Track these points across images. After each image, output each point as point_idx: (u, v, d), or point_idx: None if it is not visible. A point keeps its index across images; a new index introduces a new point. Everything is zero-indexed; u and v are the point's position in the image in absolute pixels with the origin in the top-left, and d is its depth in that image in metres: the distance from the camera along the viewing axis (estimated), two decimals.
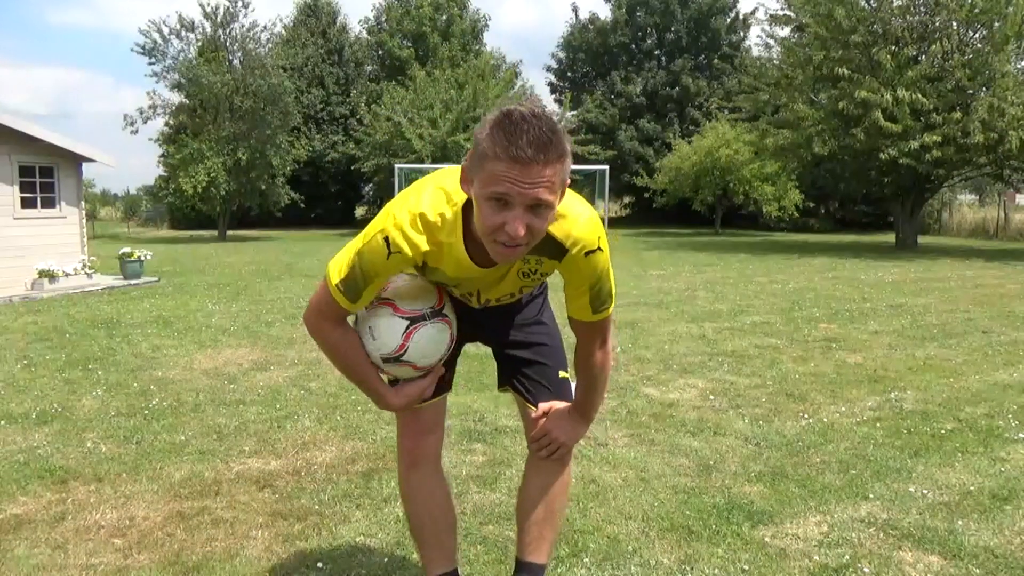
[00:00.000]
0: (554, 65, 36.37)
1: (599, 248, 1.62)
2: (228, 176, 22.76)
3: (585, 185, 27.86)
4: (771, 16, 19.29)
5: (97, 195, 40.00)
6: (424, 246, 1.58)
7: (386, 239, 1.56)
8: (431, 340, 1.75)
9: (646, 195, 29.21)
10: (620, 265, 12.97)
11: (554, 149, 1.40)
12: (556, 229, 1.56)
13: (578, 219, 1.59)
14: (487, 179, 1.42)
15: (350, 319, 1.79)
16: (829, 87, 17.81)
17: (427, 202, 1.58)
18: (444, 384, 1.94)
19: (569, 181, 1.51)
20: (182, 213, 29.11)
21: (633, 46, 33.65)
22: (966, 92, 16.44)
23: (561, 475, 1.97)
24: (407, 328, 1.73)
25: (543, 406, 1.92)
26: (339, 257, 1.65)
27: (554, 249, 1.60)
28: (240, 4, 23.21)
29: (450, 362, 1.92)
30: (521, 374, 1.96)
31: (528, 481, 2.00)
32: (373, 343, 1.75)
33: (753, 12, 25.57)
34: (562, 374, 1.98)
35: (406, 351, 1.73)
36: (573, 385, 1.95)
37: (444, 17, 32.52)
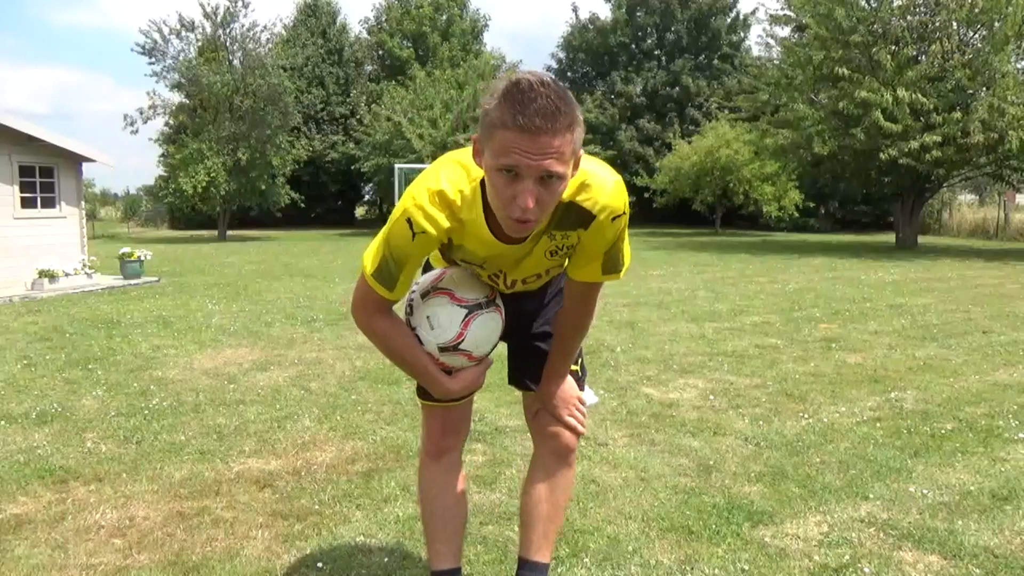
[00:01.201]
0: (554, 65, 36.38)
1: (624, 211, 1.61)
2: (228, 176, 22.76)
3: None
4: (771, 16, 19.31)
5: (97, 195, 40.04)
6: (445, 223, 1.56)
7: (408, 221, 1.55)
8: (486, 329, 1.76)
9: (646, 195, 29.20)
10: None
11: (563, 118, 1.36)
12: (583, 199, 1.55)
13: (603, 186, 1.56)
14: (496, 150, 1.39)
15: (402, 311, 1.79)
16: (829, 87, 17.82)
17: (445, 179, 1.56)
18: None
19: (582, 154, 1.49)
20: (182, 213, 29.12)
21: (633, 46, 33.66)
22: (966, 92, 16.45)
23: (567, 474, 1.98)
24: (465, 316, 1.73)
25: (533, 407, 1.95)
26: (371, 247, 1.65)
27: (582, 219, 1.59)
28: (240, 4, 23.22)
29: None
30: (535, 367, 1.95)
31: (533, 480, 1.99)
32: (431, 332, 1.74)
33: (753, 12, 25.68)
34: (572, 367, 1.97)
35: (463, 339, 1.73)
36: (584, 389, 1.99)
37: (444, 17, 32.55)
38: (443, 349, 1.73)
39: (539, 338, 1.96)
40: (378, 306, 1.68)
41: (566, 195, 1.53)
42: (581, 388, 1.99)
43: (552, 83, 1.38)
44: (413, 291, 1.79)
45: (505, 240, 1.60)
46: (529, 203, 1.40)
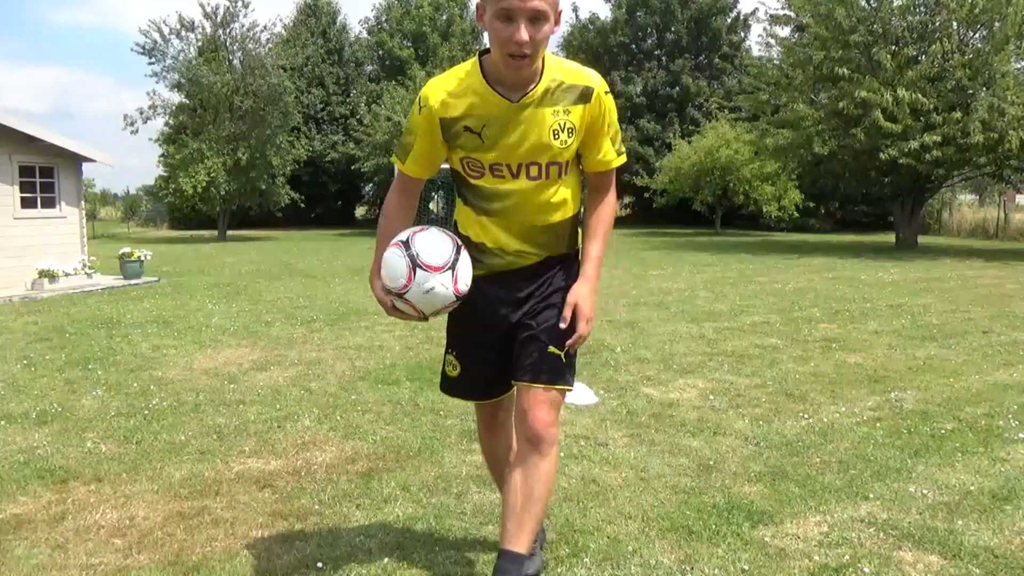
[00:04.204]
0: None
1: (609, 90, 1.98)
2: (228, 176, 22.77)
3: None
4: (771, 16, 19.30)
5: (97, 195, 40.03)
6: (444, 91, 1.93)
7: (418, 100, 1.95)
8: (394, 262, 1.95)
9: (646, 195, 29.20)
10: (620, 265, 12.97)
11: None
12: (574, 78, 1.93)
13: (585, 69, 1.96)
14: (494, 1, 1.77)
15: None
16: (829, 87, 17.81)
17: (449, 70, 2.00)
18: (507, 384, 2.17)
19: (562, 10, 1.88)
20: (182, 213, 29.13)
21: (633, 46, 33.64)
22: (966, 92, 16.44)
23: (541, 464, 2.00)
24: (401, 240, 1.96)
25: (571, 302, 2.03)
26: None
27: (580, 94, 1.93)
28: (240, 4, 23.23)
29: (506, 355, 2.09)
30: (526, 360, 2.04)
31: (511, 471, 2.05)
32: (422, 247, 1.94)
33: (753, 12, 25.67)
34: (551, 350, 2.03)
35: (387, 251, 1.97)
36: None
37: (444, 17, 32.54)
38: (404, 242, 1.95)
39: (534, 328, 2.05)
40: (398, 184, 2.13)
41: (559, 76, 1.91)
42: (571, 371, 2.08)
43: None
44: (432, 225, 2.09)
45: (504, 94, 1.89)
46: (522, 36, 1.76)
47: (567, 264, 2.13)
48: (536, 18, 1.76)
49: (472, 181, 2.02)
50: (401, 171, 2.08)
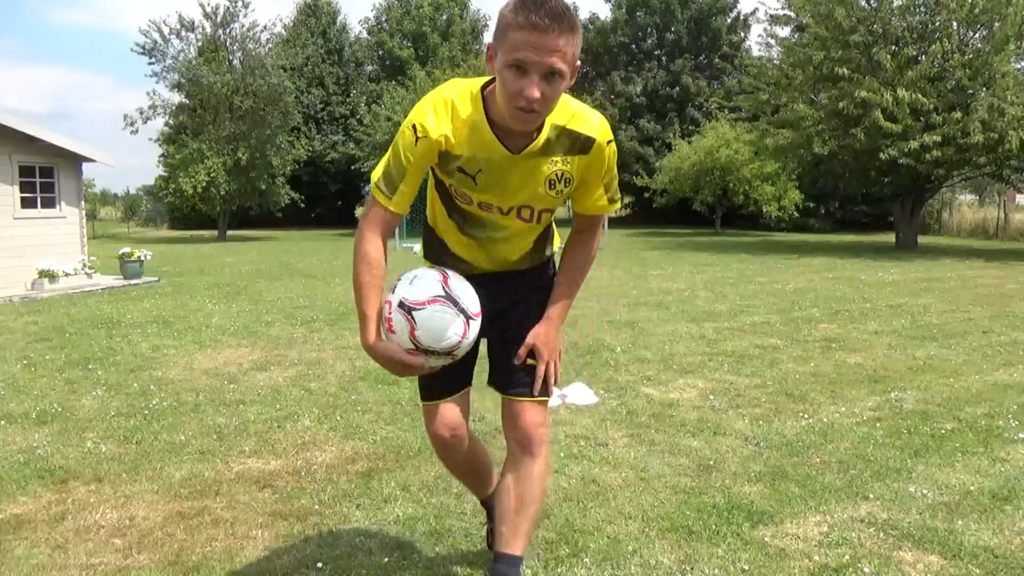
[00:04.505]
0: None
1: (612, 139, 1.84)
2: (228, 176, 22.77)
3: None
4: (771, 16, 19.29)
5: (97, 195, 40.02)
6: (447, 124, 1.74)
7: (413, 126, 1.73)
8: (442, 320, 1.79)
9: (646, 195, 29.21)
10: (620, 265, 12.97)
11: (568, 20, 1.57)
12: (577, 125, 1.77)
13: (590, 115, 1.80)
14: (508, 48, 1.58)
15: (402, 280, 1.85)
16: (829, 87, 17.81)
17: (447, 91, 1.77)
18: (463, 379, 2.07)
19: (579, 64, 1.67)
20: (182, 213, 29.15)
21: (633, 46, 33.66)
22: (966, 92, 16.43)
23: (532, 466, 2.00)
24: (441, 295, 1.81)
25: (528, 343, 1.98)
26: (379, 162, 1.82)
27: (581, 144, 1.79)
28: (240, 4, 23.24)
29: (467, 356, 1.98)
30: (499, 367, 2.04)
31: (503, 474, 2.05)
32: (408, 286, 1.82)
33: (753, 12, 25.66)
34: (529, 361, 2.02)
35: (424, 308, 1.79)
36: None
37: (444, 17, 32.55)
38: (401, 305, 1.79)
39: (511, 340, 2.02)
40: (376, 220, 1.81)
41: (561, 122, 1.75)
42: (556, 382, 2.06)
43: None
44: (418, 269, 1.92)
45: (506, 145, 1.75)
46: (535, 93, 1.58)
47: (541, 269, 2.09)
48: (552, 74, 1.59)
49: (459, 204, 1.91)
50: (384, 207, 1.80)
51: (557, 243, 2.13)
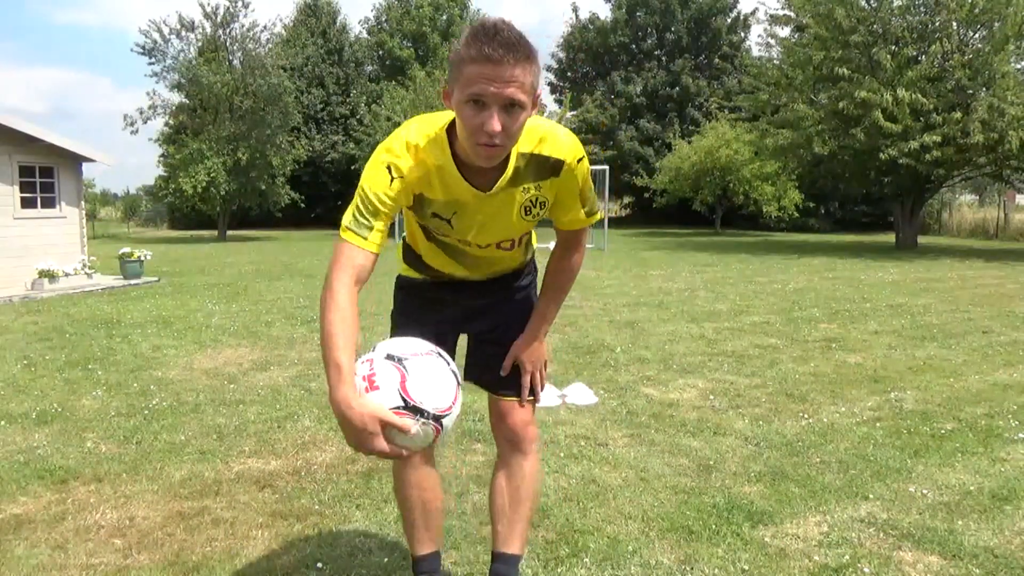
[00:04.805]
0: (554, 65, 36.38)
1: (583, 155, 1.76)
2: (228, 176, 22.77)
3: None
4: (771, 16, 19.28)
5: (97, 195, 39.98)
6: (416, 169, 1.67)
7: (388, 167, 1.66)
8: (438, 375, 1.60)
9: (646, 195, 29.22)
10: (620, 265, 12.97)
11: (523, 49, 1.50)
12: (545, 149, 1.70)
13: (559, 135, 1.72)
14: (464, 83, 1.51)
15: (384, 345, 1.72)
16: (829, 87, 17.81)
17: (414, 132, 1.69)
18: None
19: (541, 93, 1.64)
20: (182, 213, 29.15)
21: (633, 46, 33.66)
22: (966, 92, 16.43)
23: (523, 463, 2.01)
24: (431, 350, 1.66)
25: (512, 355, 1.99)
26: (349, 207, 1.71)
27: (550, 168, 1.72)
28: (240, 4, 23.23)
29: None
30: (489, 368, 2.02)
31: (495, 473, 2.06)
32: (391, 342, 1.68)
33: (753, 12, 25.64)
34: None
35: (414, 359, 1.59)
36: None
37: (444, 17, 32.57)
38: (389, 357, 1.58)
39: (491, 342, 2.02)
40: (347, 264, 1.63)
41: (528, 149, 1.68)
42: (541, 389, 2.06)
43: (512, 24, 1.53)
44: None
45: (476, 185, 1.69)
46: (496, 127, 1.51)
47: (522, 267, 2.08)
48: (511, 106, 1.51)
49: (437, 236, 1.88)
50: (357, 247, 1.64)
51: (535, 241, 2.11)
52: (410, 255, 2.03)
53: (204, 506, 2.83)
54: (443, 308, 2.01)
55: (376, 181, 1.65)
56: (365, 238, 1.64)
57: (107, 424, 3.86)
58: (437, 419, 1.56)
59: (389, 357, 1.59)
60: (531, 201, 1.76)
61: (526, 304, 2.06)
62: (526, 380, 1.99)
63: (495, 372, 2.01)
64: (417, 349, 1.64)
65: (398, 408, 1.51)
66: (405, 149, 1.66)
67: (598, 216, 1.92)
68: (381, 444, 1.50)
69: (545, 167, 1.71)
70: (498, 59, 1.47)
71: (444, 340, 1.86)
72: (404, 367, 1.56)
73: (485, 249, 1.88)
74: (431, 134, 1.67)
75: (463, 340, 2.09)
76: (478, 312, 2.02)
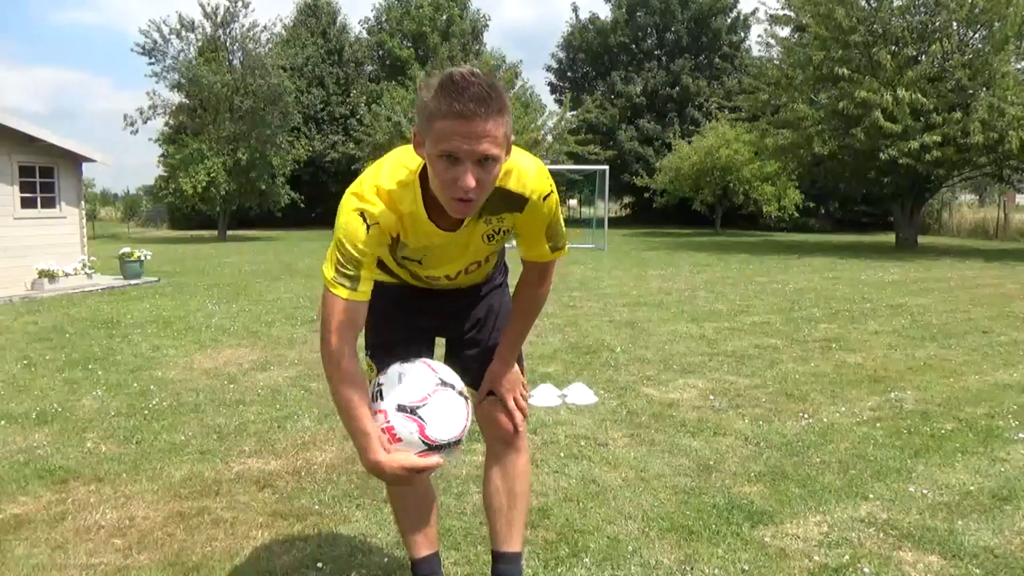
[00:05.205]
0: (554, 65, 36.44)
1: (551, 191, 1.73)
2: (228, 176, 22.77)
3: (585, 185, 27.82)
4: (771, 16, 19.29)
5: (97, 195, 40.04)
6: (391, 217, 1.64)
7: (361, 214, 1.63)
8: (450, 408, 1.70)
9: (646, 195, 29.26)
10: (620, 265, 12.97)
11: (494, 103, 1.47)
12: (511, 184, 1.66)
13: (528, 170, 1.69)
14: (436, 138, 1.49)
15: (384, 371, 1.77)
16: (829, 87, 17.82)
17: (385, 175, 1.66)
18: None
19: (513, 137, 1.60)
20: (182, 213, 29.15)
21: (633, 46, 33.67)
22: (966, 92, 16.44)
23: (517, 460, 2.03)
24: (436, 385, 1.71)
25: (483, 390, 1.99)
26: (326, 257, 1.68)
27: (514, 202, 1.70)
28: (240, 4, 23.22)
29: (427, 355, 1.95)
30: (472, 370, 2.00)
31: (488, 471, 2.06)
32: (397, 386, 1.70)
33: (753, 12, 25.64)
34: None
35: (426, 404, 1.67)
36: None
37: (444, 17, 32.54)
38: (401, 408, 1.66)
39: (471, 344, 2.02)
40: (341, 320, 1.64)
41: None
42: (523, 374, 2.06)
43: (482, 74, 1.50)
44: (392, 363, 1.79)
45: (444, 227, 1.68)
46: (471, 183, 1.49)
47: (492, 275, 2.07)
48: (485, 160, 1.49)
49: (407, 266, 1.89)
50: (348, 299, 1.63)
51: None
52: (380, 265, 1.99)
53: (204, 506, 2.83)
54: (416, 318, 1.99)
55: (351, 231, 1.62)
56: (355, 289, 1.64)
57: (107, 424, 3.87)
58: (457, 442, 1.71)
59: (401, 409, 1.66)
60: (493, 231, 1.75)
61: (498, 298, 2.05)
62: (510, 405, 1.97)
63: (477, 374, 1.99)
64: (424, 390, 1.69)
65: (423, 451, 1.66)
66: (375, 194, 1.63)
67: (564, 252, 1.87)
68: (415, 479, 1.69)
69: (508, 201, 1.68)
70: (470, 114, 1.44)
71: (420, 351, 1.90)
72: (420, 417, 1.66)
73: (454, 279, 1.89)
74: (403, 179, 1.65)
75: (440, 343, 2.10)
76: (451, 316, 2.02)
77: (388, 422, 1.66)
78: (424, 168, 1.62)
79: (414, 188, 1.64)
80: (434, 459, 1.66)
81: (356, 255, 1.62)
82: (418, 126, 1.55)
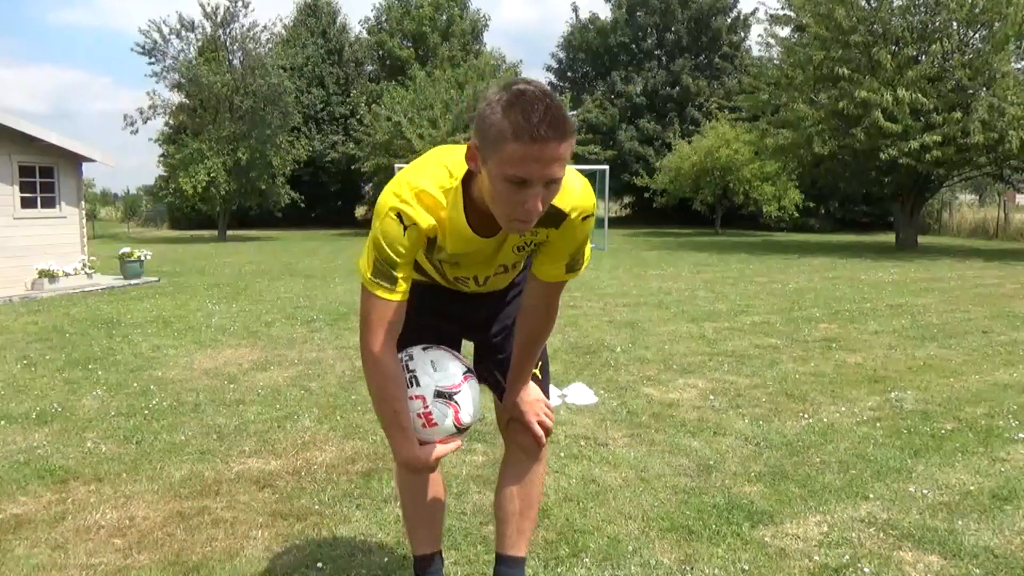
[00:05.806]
0: (554, 65, 36.39)
1: (592, 213, 1.69)
2: (228, 176, 22.76)
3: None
4: (771, 16, 19.28)
5: (97, 195, 40.06)
6: (430, 220, 1.60)
7: (398, 215, 1.59)
8: (476, 392, 1.82)
9: (646, 195, 29.22)
10: (620, 265, 12.97)
11: (568, 126, 1.43)
12: (556, 200, 1.59)
13: (573, 187, 1.63)
14: (505, 161, 1.43)
15: (410, 357, 1.80)
16: (829, 87, 17.80)
17: (429, 179, 1.61)
18: None
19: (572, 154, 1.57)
20: (182, 213, 29.11)
21: (633, 46, 33.63)
22: (966, 92, 16.43)
23: (537, 469, 2.01)
24: (465, 372, 1.82)
25: (506, 415, 1.99)
26: (363, 255, 1.67)
27: (552, 218, 1.63)
28: (240, 4, 23.22)
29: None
30: (501, 371, 1.99)
31: (505, 477, 2.04)
32: (434, 375, 1.76)
33: (753, 12, 25.62)
34: (535, 372, 2.01)
35: (461, 390, 1.77)
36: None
37: (444, 17, 32.51)
38: (439, 394, 1.74)
39: (498, 349, 2.01)
40: (382, 319, 1.66)
41: None
42: (545, 392, 2.03)
43: (550, 92, 1.45)
44: (413, 347, 1.83)
45: (483, 234, 1.65)
46: (538, 207, 1.47)
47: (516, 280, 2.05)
48: (553, 182, 1.47)
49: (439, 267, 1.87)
50: (387, 299, 1.65)
51: None
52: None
53: (204, 506, 2.83)
54: (440, 321, 1.98)
55: (388, 231, 1.60)
56: (393, 289, 1.64)
57: (107, 424, 3.87)
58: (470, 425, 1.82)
59: (440, 395, 1.75)
60: (526, 243, 1.72)
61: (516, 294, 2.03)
62: (534, 428, 1.95)
63: (504, 382, 1.99)
64: (458, 376, 1.79)
65: (452, 435, 1.78)
66: (415, 198, 1.59)
67: (578, 274, 1.81)
68: (435, 464, 1.79)
69: (547, 215, 1.59)
70: (545, 140, 1.40)
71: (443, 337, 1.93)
72: (456, 401, 1.76)
73: (482, 284, 1.88)
74: (447, 186, 1.60)
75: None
76: (475, 320, 2.00)
77: (427, 407, 1.73)
78: (467, 174, 1.58)
79: (456, 194, 1.60)
80: (456, 442, 1.79)
81: (393, 256, 1.61)
82: (479, 142, 1.48)
